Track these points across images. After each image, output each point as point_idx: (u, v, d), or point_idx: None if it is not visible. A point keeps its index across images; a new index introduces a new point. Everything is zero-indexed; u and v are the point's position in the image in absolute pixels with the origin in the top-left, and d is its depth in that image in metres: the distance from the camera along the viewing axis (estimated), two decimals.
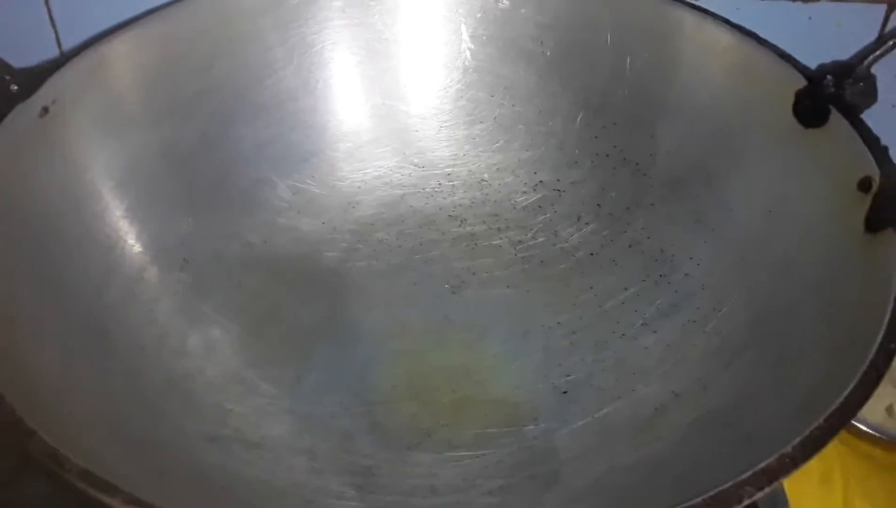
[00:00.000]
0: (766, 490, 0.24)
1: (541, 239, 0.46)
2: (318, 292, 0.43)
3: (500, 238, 0.46)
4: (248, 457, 0.35)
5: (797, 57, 0.40)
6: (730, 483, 0.24)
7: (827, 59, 0.39)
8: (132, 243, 0.40)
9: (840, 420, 0.25)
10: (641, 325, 0.41)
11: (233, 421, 0.37)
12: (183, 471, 0.32)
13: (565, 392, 0.39)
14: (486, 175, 0.48)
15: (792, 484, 0.41)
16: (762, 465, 0.24)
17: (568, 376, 0.40)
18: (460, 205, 0.47)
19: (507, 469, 0.36)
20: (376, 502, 0.34)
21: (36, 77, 0.37)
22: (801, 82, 0.39)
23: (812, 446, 0.24)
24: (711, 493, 0.24)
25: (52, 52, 0.46)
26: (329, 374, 0.40)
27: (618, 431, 0.36)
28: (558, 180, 0.47)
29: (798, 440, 0.25)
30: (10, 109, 0.36)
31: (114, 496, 0.23)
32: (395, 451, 0.37)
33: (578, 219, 0.46)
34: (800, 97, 0.39)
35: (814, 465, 0.43)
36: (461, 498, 0.35)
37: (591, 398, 0.38)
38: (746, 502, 0.23)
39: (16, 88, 0.37)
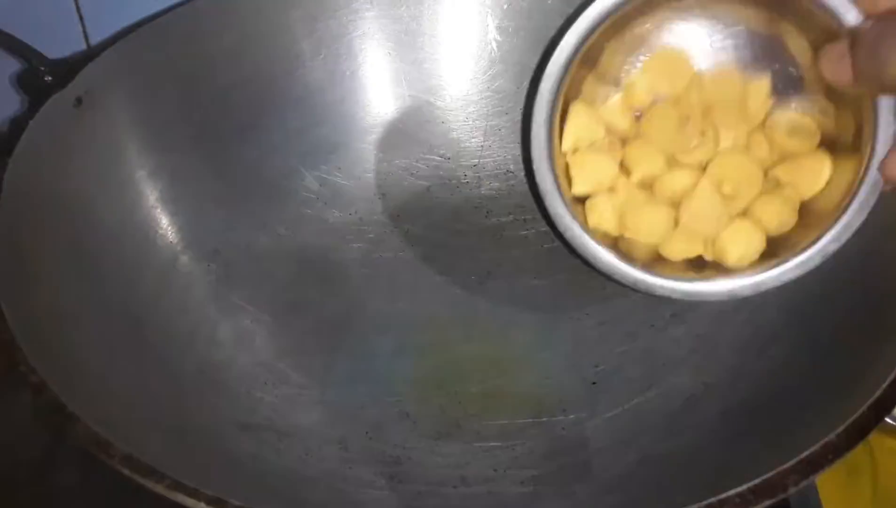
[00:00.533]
0: (811, 478, 0.24)
1: None
2: (346, 284, 0.43)
3: (527, 229, 0.46)
4: (279, 446, 0.35)
5: None
6: (773, 472, 0.24)
7: None
8: (164, 232, 0.40)
9: (884, 408, 0.25)
10: (671, 316, 0.41)
11: (264, 410, 0.37)
12: (217, 459, 0.33)
13: (594, 383, 0.39)
14: (512, 166, 0.48)
15: (821, 478, 0.41)
16: (806, 454, 0.24)
17: (597, 366, 0.40)
18: (487, 196, 0.47)
19: (538, 460, 0.36)
20: (407, 491, 0.35)
21: (70, 68, 0.38)
22: None
23: (856, 434, 0.24)
24: (756, 482, 0.24)
25: (80, 46, 0.46)
26: (358, 365, 0.40)
27: (648, 422, 0.36)
28: None
29: (842, 427, 0.25)
30: (45, 99, 0.36)
31: (158, 481, 0.23)
32: (424, 441, 0.37)
33: None
34: None
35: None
36: (492, 488, 0.35)
37: (621, 388, 0.38)
38: (792, 490, 0.23)
39: (50, 78, 0.37)
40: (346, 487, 0.34)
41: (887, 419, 0.42)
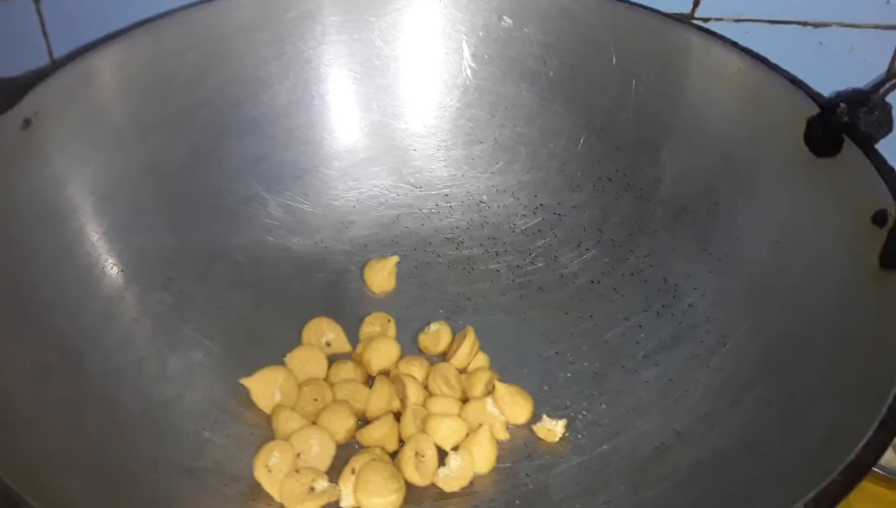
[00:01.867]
0: None
1: (540, 264, 0.44)
2: (308, 316, 0.41)
3: (498, 262, 0.45)
4: (226, 492, 0.33)
5: (808, 83, 0.39)
6: None
7: (838, 86, 0.38)
8: (113, 262, 0.38)
9: (856, 474, 0.23)
10: (643, 357, 0.39)
11: (212, 452, 0.35)
12: (155, 506, 0.31)
13: (564, 427, 0.37)
14: (484, 197, 0.46)
15: None
16: None
17: (565, 409, 0.38)
18: (458, 227, 0.46)
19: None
20: None
21: (19, 87, 0.36)
22: (814, 110, 0.37)
23: (827, 501, 0.23)
24: None
25: (43, 61, 0.45)
26: None
27: (616, 470, 0.35)
28: (559, 204, 0.45)
29: (812, 494, 0.23)
30: None
31: None
32: None
33: (579, 245, 0.44)
34: (812, 125, 0.37)
35: None
36: None
37: (589, 433, 0.37)
38: None
39: None
40: None
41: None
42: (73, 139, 0.38)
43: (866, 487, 0.42)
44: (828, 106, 0.37)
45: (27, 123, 0.36)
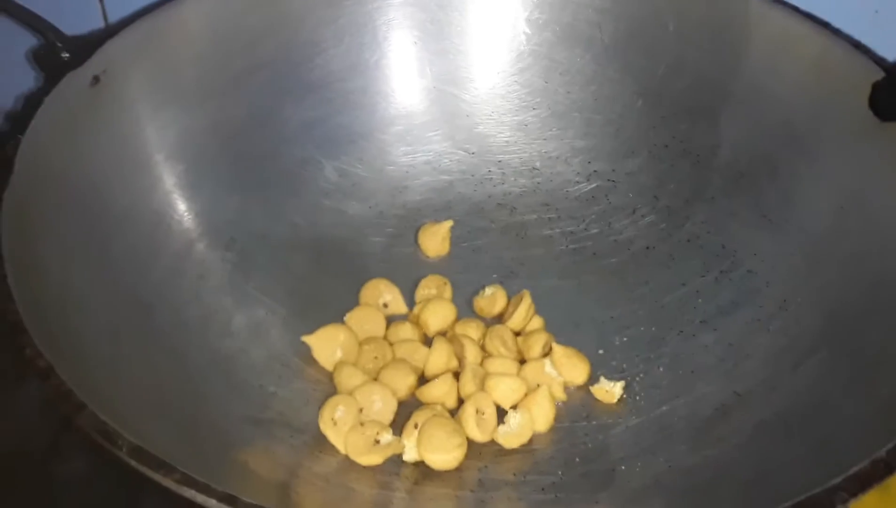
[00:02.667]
0: (859, 496, 0.22)
1: (594, 231, 0.44)
2: (364, 278, 0.41)
3: (552, 229, 0.45)
4: (292, 442, 0.34)
5: None
6: (820, 489, 0.22)
7: (892, 55, 0.37)
8: (179, 218, 0.39)
9: None
10: (700, 322, 0.39)
11: (276, 405, 0.36)
12: (227, 453, 0.31)
13: (622, 388, 0.37)
14: (538, 163, 0.46)
15: None
16: (855, 469, 0.23)
17: (622, 372, 0.38)
18: (510, 193, 0.46)
19: (560, 466, 0.34)
20: (423, 493, 0.33)
21: (87, 46, 0.37)
22: (878, 74, 0.37)
23: None
24: (800, 498, 0.22)
25: (98, 24, 0.45)
26: None
27: (676, 431, 0.35)
28: (613, 171, 0.45)
29: (894, 443, 0.23)
30: (61, 76, 0.35)
31: (168, 474, 0.22)
32: None
33: (634, 211, 0.44)
34: (877, 89, 0.37)
35: None
36: (511, 493, 0.33)
37: (647, 395, 0.37)
38: None
39: (67, 55, 0.36)
40: (359, 486, 0.33)
41: None
42: (139, 97, 0.38)
43: None
44: (893, 70, 0.36)
45: (96, 80, 0.36)
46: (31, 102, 0.34)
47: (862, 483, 0.23)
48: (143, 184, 0.38)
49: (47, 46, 0.36)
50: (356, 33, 0.45)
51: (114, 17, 0.45)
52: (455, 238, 0.44)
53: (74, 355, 0.28)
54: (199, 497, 0.22)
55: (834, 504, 0.22)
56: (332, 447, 0.34)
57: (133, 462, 0.23)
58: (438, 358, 0.37)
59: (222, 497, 0.22)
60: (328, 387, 0.37)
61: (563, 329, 0.40)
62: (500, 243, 0.44)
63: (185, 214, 0.39)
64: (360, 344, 0.38)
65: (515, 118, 0.47)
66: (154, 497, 0.35)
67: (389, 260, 0.43)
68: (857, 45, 0.39)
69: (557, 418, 0.36)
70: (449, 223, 0.43)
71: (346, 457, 0.34)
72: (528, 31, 0.46)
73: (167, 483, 0.22)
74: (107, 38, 0.37)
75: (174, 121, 0.40)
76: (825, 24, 0.40)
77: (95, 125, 0.37)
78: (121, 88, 0.37)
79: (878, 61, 0.38)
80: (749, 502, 0.24)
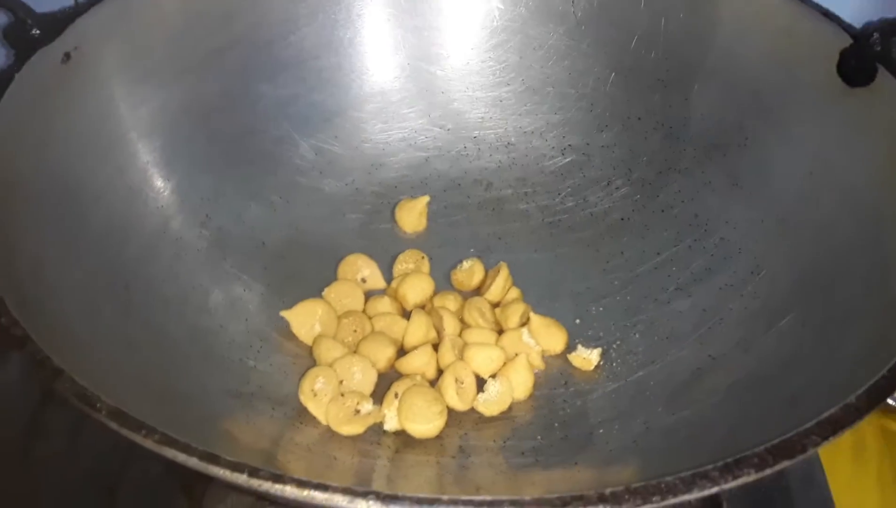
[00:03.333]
0: (831, 439, 0.23)
1: (569, 204, 0.45)
2: (341, 254, 0.41)
3: (528, 203, 0.45)
4: (273, 413, 0.34)
5: None
6: (793, 433, 0.23)
7: (860, 23, 0.38)
8: (154, 196, 0.39)
9: None
10: (675, 289, 0.40)
11: (256, 379, 0.36)
12: (207, 424, 0.31)
13: (599, 354, 0.38)
14: (513, 138, 0.47)
15: (827, 458, 0.40)
16: (826, 415, 0.23)
17: (598, 339, 0.39)
18: (486, 169, 0.46)
19: (539, 431, 0.35)
20: (404, 461, 0.33)
21: (58, 22, 0.36)
22: (846, 41, 0.38)
23: (876, 395, 0.23)
24: (774, 442, 0.23)
25: (67, 1, 0.45)
26: None
27: (653, 394, 0.36)
28: (588, 144, 0.46)
29: (862, 390, 0.24)
30: (31, 53, 0.35)
31: (148, 435, 0.22)
32: None
33: (608, 184, 0.45)
34: (845, 56, 0.38)
35: (847, 440, 0.43)
36: (492, 459, 0.34)
37: (623, 362, 0.38)
38: (811, 451, 0.22)
39: (38, 32, 0.35)
40: (341, 455, 0.33)
41: (891, 402, 0.42)
42: (112, 74, 0.38)
43: (892, 425, 0.43)
44: (861, 36, 0.37)
45: (67, 57, 0.36)
46: (1, 80, 0.34)
47: (833, 426, 0.23)
48: (117, 161, 0.37)
49: (17, 23, 0.36)
50: (329, 10, 0.45)
51: None
52: (432, 214, 0.44)
53: (51, 328, 0.28)
54: (181, 457, 0.22)
55: (806, 447, 0.23)
56: (313, 418, 0.34)
57: (113, 425, 0.23)
58: (417, 330, 0.37)
59: (203, 456, 0.22)
60: (307, 361, 0.37)
61: (540, 301, 0.40)
62: (476, 217, 0.45)
63: (161, 191, 0.39)
64: (339, 318, 0.38)
65: (490, 94, 0.47)
66: (135, 469, 0.35)
67: (367, 236, 0.43)
68: (826, 13, 0.39)
69: (536, 385, 0.37)
70: (425, 199, 0.44)
71: (328, 428, 0.34)
72: (501, 6, 0.47)
73: (147, 443, 0.22)
74: (77, 16, 0.37)
75: (148, 98, 0.39)
76: None
77: (68, 102, 0.36)
78: (93, 65, 0.37)
79: (846, 28, 0.38)
80: (724, 454, 0.24)
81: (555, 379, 0.37)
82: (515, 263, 0.41)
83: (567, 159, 0.46)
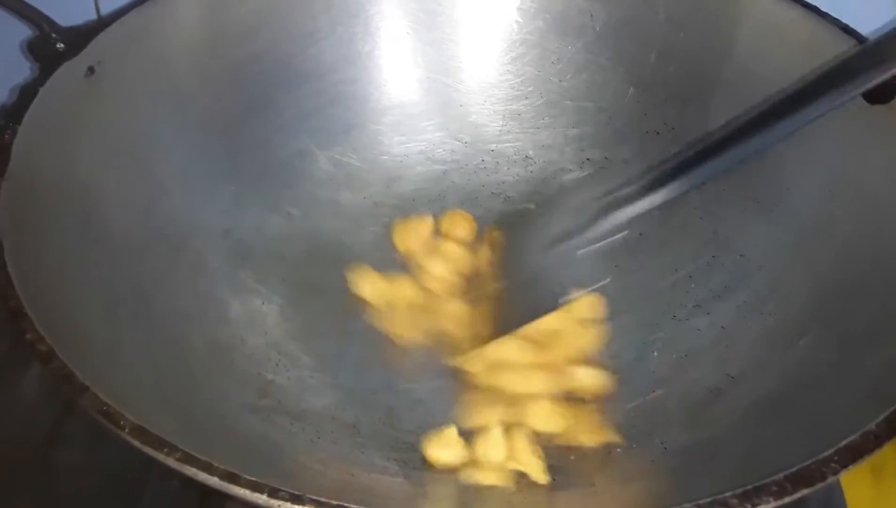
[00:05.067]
0: (850, 467, 0.22)
1: None
2: (360, 267, 0.42)
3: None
4: (291, 429, 0.34)
5: None
6: (811, 461, 0.23)
7: None
8: (175, 208, 0.39)
9: None
10: (693, 307, 0.40)
11: (275, 392, 0.36)
12: (226, 438, 0.31)
13: (614, 373, 0.38)
14: (531, 152, 0.47)
15: (847, 479, 0.40)
16: (846, 441, 0.23)
17: (616, 357, 0.39)
18: (504, 182, 0.46)
19: (555, 450, 0.35)
20: (420, 478, 0.33)
21: (82, 36, 0.37)
22: None
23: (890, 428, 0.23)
24: (793, 469, 0.22)
25: (90, 16, 0.45)
26: (371, 349, 0.39)
27: (671, 413, 0.35)
28: (606, 158, 0.46)
29: (882, 416, 0.23)
30: (56, 67, 0.35)
31: (170, 454, 0.22)
32: (438, 428, 0.35)
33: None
34: None
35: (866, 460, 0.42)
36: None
37: (642, 380, 0.37)
38: (830, 479, 0.22)
39: (62, 46, 0.36)
40: (358, 472, 0.33)
41: None
42: (135, 88, 0.38)
43: None
44: None
45: (91, 70, 0.36)
46: (27, 93, 0.34)
47: (853, 454, 0.23)
48: (139, 174, 0.38)
49: (42, 37, 0.36)
50: (348, 24, 0.46)
51: (106, 9, 0.45)
52: None
53: (74, 341, 0.28)
54: (202, 476, 0.22)
55: (825, 475, 0.22)
56: (330, 435, 0.34)
57: (136, 443, 0.23)
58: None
59: (224, 475, 0.22)
60: (326, 375, 0.37)
61: None
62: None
63: (181, 204, 0.39)
64: None
65: (508, 107, 0.47)
66: (154, 482, 0.35)
67: (384, 249, 0.43)
68: (846, 29, 0.39)
69: None
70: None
71: (346, 446, 0.34)
72: (519, 19, 0.47)
73: (169, 462, 0.22)
74: (101, 29, 0.37)
75: (170, 111, 0.40)
76: (814, 9, 0.40)
77: (91, 115, 0.37)
78: (116, 78, 0.37)
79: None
80: (742, 478, 0.24)
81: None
82: None
83: (585, 173, 0.46)
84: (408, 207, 0.45)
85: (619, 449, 0.34)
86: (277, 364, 0.37)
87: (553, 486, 0.33)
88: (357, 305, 0.40)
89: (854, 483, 0.40)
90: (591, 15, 0.46)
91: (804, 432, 0.30)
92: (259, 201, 0.43)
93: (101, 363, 0.29)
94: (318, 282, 0.41)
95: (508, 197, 0.46)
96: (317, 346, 0.38)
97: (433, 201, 0.46)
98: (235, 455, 0.29)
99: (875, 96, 0.37)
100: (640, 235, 0.43)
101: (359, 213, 0.45)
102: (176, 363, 0.33)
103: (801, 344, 0.34)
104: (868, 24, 0.39)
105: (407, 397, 0.37)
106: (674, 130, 0.44)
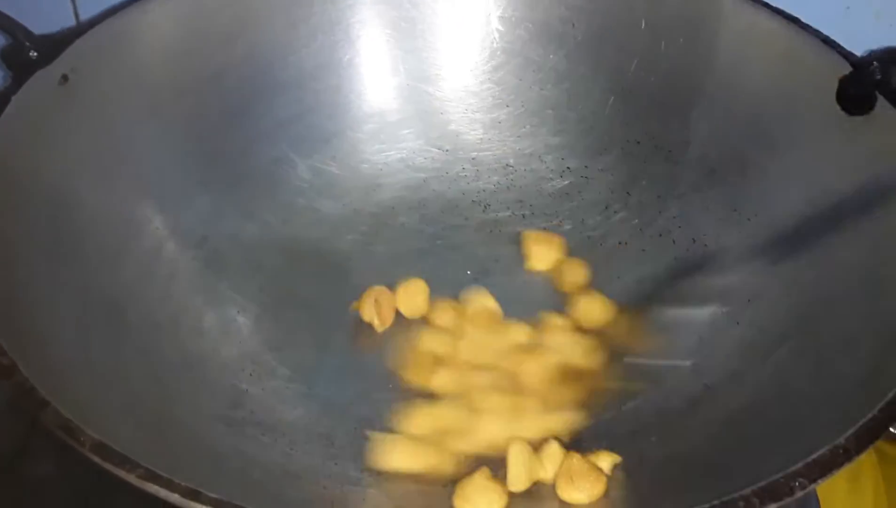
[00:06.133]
0: (818, 482, 0.22)
1: (567, 227, 0.44)
2: (338, 276, 0.41)
3: (525, 225, 0.45)
4: (263, 440, 0.34)
5: None
6: (780, 475, 0.22)
7: (861, 51, 0.38)
8: (150, 217, 0.39)
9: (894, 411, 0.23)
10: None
11: (248, 403, 0.35)
12: (197, 451, 0.31)
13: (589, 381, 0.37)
14: (511, 160, 0.47)
15: (823, 487, 0.40)
16: (815, 456, 0.23)
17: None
18: (484, 190, 0.46)
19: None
20: (396, 490, 0.33)
21: (56, 44, 0.36)
22: (846, 69, 0.37)
23: (866, 437, 0.23)
24: (761, 484, 0.22)
25: (69, 22, 0.45)
26: (347, 360, 0.39)
27: (647, 425, 0.35)
28: (586, 167, 0.46)
29: (852, 431, 0.23)
30: (29, 75, 0.35)
31: (131, 470, 0.22)
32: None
33: (607, 207, 0.45)
34: (844, 84, 0.37)
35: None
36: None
37: (618, 390, 0.37)
38: (798, 494, 0.22)
39: (35, 54, 0.36)
40: (332, 484, 0.33)
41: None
42: (109, 96, 0.38)
43: (890, 451, 0.42)
44: (860, 65, 0.37)
45: (65, 79, 0.36)
46: None
47: (822, 469, 0.23)
48: (113, 182, 0.37)
49: (15, 45, 0.36)
50: (328, 32, 0.45)
51: (86, 16, 0.45)
52: (429, 236, 0.44)
53: (40, 353, 0.28)
54: (163, 493, 0.22)
55: (793, 490, 0.22)
56: (304, 446, 0.34)
57: (96, 459, 0.22)
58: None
59: (185, 492, 0.22)
60: (301, 386, 0.37)
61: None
62: (474, 240, 0.44)
63: (156, 213, 0.39)
64: None
65: (489, 116, 0.47)
66: (125, 497, 0.35)
67: (364, 258, 0.43)
68: (826, 41, 0.39)
69: None
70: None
71: (319, 457, 0.34)
72: (500, 28, 0.47)
73: (130, 478, 0.22)
74: (75, 37, 0.37)
75: (145, 119, 0.39)
76: (795, 20, 0.40)
77: (65, 124, 0.36)
78: (90, 86, 0.37)
79: (846, 56, 0.38)
80: (714, 489, 0.24)
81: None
82: (512, 286, 0.41)
83: (566, 182, 0.46)
84: (388, 214, 0.45)
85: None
86: (251, 375, 0.37)
87: (528, 495, 0.33)
88: (335, 315, 0.40)
89: (830, 490, 0.40)
90: (573, 24, 0.45)
91: (780, 444, 0.29)
92: (236, 209, 0.42)
93: (67, 376, 0.29)
94: (295, 291, 0.41)
95: (488, 205, 0.46)
96: (293, 356, 0.38)
97: (413, 208, 0.45)
98: (203, 469, 0.29)
99: (854, 107, 0.37)
100: (620, 243, 0.43)
101: (338, 221, 0.44)
102: (147, 375, 0.33)
103: (778, 353, 0.34)
104: (849, 36, 0.39)
105: (383, 406, 0.37)
106: (654, 139, 0.44)
